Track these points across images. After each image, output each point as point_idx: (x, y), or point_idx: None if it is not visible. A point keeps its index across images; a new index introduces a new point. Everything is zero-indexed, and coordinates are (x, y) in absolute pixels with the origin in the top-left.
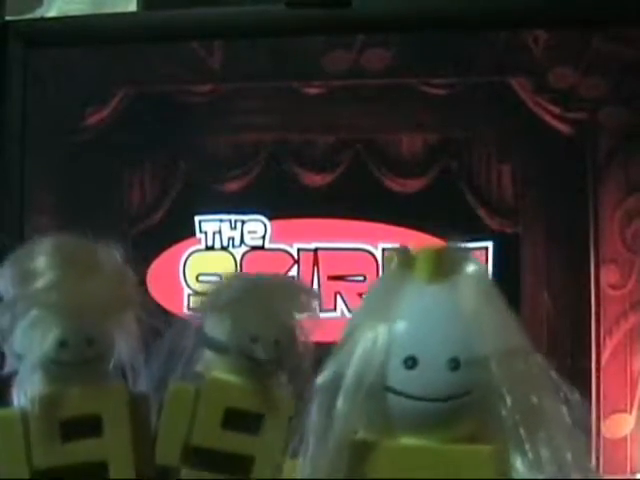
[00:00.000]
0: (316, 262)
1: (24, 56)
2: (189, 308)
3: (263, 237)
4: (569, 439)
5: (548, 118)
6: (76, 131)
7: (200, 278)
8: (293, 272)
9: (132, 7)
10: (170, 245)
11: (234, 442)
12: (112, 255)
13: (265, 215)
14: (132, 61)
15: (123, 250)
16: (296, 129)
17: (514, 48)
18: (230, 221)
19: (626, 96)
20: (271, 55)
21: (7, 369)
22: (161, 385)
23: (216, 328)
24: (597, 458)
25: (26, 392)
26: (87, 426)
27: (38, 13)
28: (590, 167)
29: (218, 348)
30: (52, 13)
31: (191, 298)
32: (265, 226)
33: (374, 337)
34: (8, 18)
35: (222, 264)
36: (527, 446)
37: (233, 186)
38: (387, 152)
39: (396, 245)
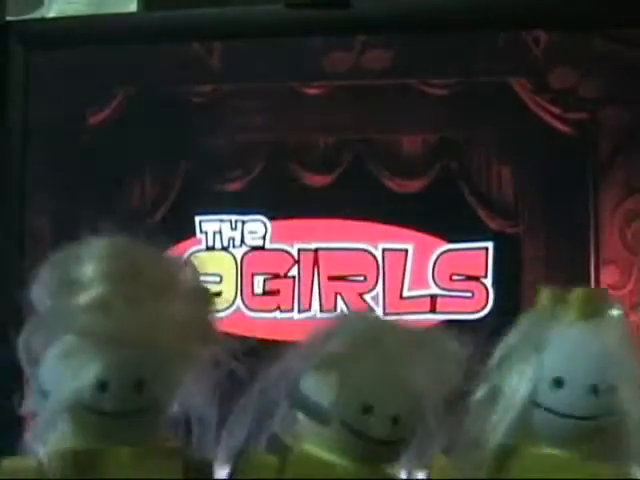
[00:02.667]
0: (316, 262)
1: (24, 56)
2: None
3: (263, 237)
4: None
5: (548, 118)
6: (77, 131)
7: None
8: (293, 272)
9: (132, 7)
10: (170, 245)
11: None
12: (191, 273)
13: (265, 215)
14: (132, 61)
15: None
16: (296, 129)
17: (514, 48)
18: (230, 221)
19: (626, 96)
20: (271, 55)
21: (27, 406)
22: (239, 450)
23: (317, 388)
24: None
25: (46, 441)
26: None
27: (38, 13)
28: (590, 167)
29: (317, 415)
30: (52, 13)
31: None
32: (265, 226)
33: (528, 361)
34: (8, 18)
35: (222, 264)
36: None
37: (233, 186)
38: (387, 152)
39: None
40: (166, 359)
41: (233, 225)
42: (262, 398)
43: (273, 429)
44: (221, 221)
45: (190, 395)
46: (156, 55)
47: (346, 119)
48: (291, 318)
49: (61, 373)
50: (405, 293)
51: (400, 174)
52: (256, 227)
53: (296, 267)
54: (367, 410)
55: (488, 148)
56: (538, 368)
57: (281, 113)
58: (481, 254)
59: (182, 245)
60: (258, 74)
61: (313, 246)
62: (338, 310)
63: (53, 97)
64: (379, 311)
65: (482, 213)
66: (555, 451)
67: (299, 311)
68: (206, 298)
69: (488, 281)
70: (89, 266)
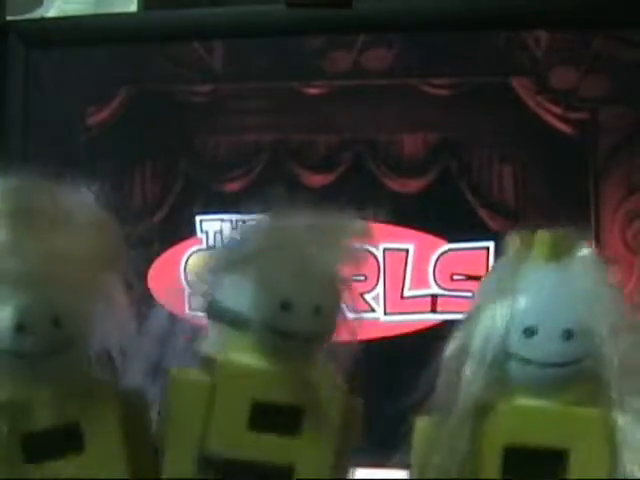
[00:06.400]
0: None
1: (24, 56)
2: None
3: None
4: None
5: (549, 118)
6: (76, 131)
7: None
8: None
9: (132, 7)
10: (171, 245)
11: (265, 447)
12: (86, 201)
13: None
14: (132, 61)
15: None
16: (296, 129)
17: (514, 48)
18: (231, 221)
19: (627, 96)
20: (271, 55)
21: None
22: (158, 374)
23: (232, 294)
24: None
25: None
26: (61, 440)
27: (38, 13)
28: (591, 167)
29: (236, 321)
30: (52, 13)
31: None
32: None
33: (496, 311)
34: (8, 18)
35: None
36: (630, 406)
37: (234, 186)
38: (387, 152)
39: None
40: (79, 291)
41: (234, 225)
42: (172, 318)
43: (188, 347)
44: (222, 221)
45: (110, 327)
46: (156, 55)
47: (346, 119)
48: None
49: None
50: (406, 293)
51: (401, 174)
52: None
53: None
54: (286, 306)
55: (488, 148)
56: (508, 317)
57: (281, 113)
58: (482, 254)
59: (183, 245)
60: (258, 74)
61: None
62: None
63: (53, 97)
64: (380, 311)
65: (483, 213)
66: (532, 402)
67: None
68: (107, 228)
69: None
70: None
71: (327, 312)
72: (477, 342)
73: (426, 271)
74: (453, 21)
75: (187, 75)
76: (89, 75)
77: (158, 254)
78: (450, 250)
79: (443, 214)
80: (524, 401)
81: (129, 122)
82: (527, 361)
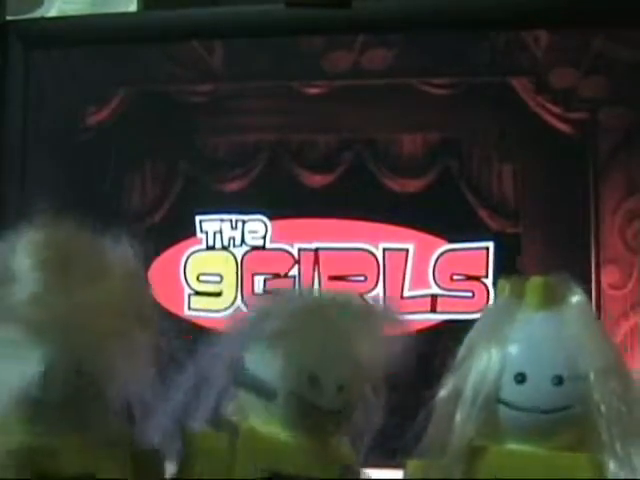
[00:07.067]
0: (317, 262)
1: (24, 56)
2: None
3: (264, 237)
4: None
5: (549, 118)
6: (76, 131)
7: (201, 278)
8: (294, 272)
9: (132, 7)
10: (171, 245)
11: None
12: (124, 256)
13: (266, 215)
14: (132, 61)
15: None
16: (296, 129)
17: (515, 48)
18: (231, 221)
19: (626, 96)
20: (271, 55)
21: None
22: (178, 430)
23: (262, 364)
24: None
25: None
26: None
27: (38, 13)
28: (591, 167)
29: (263, 391)
30: (52, 13)
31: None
32: (266, 226)
33: (488, 357)
34: (8, 18)
35: (223, 264)
36: (620, 451)
37: (234, 186)
38: (387, 152)
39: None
40: (104, 342)
41: (233, 225)
42: (198, 378)
43: (211, 409)
44: (221, 221)
45: (131, 380)
46: (156, 55)
47: (346, 119)
48: None
49: (2, 368)
50: (406, 293)
51: (400, 174)
52: (256, 227)
53: (296, 267)
54: (313, 380)
55: (488, 148)
56: (500, 364)
57: (281, 113)
58: (482, 254)
59: (182, 245)
60: (258, 74)
61: (313, 246)
62: None
63: (53, 97)
64: None
65: (482, 213)
66: (523, 447)
67: None
68: (139, 281)
69: (489, 281)
70: (22, 258)
71: (349, 391)
72: (469, 387)
73: (426, 271)
74: (453, 21)
75: (187, 75)
76: (89, 75)
77: (158, 254)
78: (450, 250)
79: (443, 214)
80: (514, 445)
81: (128, 122)
82: (517, 407)
